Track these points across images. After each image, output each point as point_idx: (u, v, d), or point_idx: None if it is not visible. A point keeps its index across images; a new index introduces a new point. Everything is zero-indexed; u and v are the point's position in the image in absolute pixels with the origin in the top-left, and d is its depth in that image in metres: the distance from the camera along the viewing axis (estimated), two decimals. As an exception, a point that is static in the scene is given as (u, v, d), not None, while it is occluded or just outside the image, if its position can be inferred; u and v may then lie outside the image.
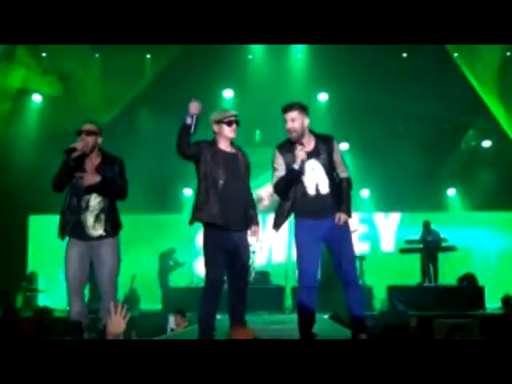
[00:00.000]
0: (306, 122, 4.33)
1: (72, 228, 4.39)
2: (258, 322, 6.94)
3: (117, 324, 2.85)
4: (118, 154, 4.65)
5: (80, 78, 11.40)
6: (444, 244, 10.57)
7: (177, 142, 4.22)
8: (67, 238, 4.45)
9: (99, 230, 4.41)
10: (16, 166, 11.11)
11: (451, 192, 12.78)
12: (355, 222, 9.83)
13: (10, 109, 11.46)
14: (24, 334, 2.68)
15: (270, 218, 4.72)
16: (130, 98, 11.72)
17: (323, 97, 12.20)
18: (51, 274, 10.77)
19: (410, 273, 10.80)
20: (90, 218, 4.39)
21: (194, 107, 4.21)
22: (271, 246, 11.78)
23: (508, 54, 11.51)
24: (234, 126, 4.37)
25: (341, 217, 4.27)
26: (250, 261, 7.58)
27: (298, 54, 12.12)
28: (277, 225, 4.40)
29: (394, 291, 9.98)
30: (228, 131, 4.36)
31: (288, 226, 4.80)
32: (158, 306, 10.38)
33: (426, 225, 10.84)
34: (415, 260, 10.71)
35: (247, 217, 4.40)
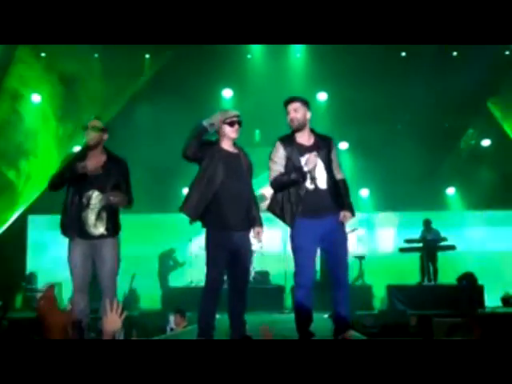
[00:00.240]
0: (308, 115, 4.38)
1: (74, 226, 4.40)
2: (257, 321, 6.94)
3: (113, 322, 2.85)
4: (117, 153, 4.66)
5: (79, 78, 11.39)
6: (443, 243, 10.59)
7: (188, 143, 4.23)
8: (68, 237, 4.46)
9: (100, 229, 4.42)
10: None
11: (451, 191, 12.80)
12: (355, 222, 9.83)
13: (9, 109, 11.45)
14: (58, 328, 2.64)
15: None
16: (129, 98, 11.72)
17: (322, 96, 12.21)
18: (50, 274, 10.78)
19: (409, 272, 10.81)
20: (91, 216, 4.40)
21: (219, 120, 4.26)
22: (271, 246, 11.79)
23: (507, 53, 11.52)
24: (236, 126, 4.38)
25: (346, 215, 4.29)
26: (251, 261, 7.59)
27: (297, 53, 12.12)
28: (291, 218, 4.32)
29: (394, 290, 9.99)
30: (230, 132, 4.37)
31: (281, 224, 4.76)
32: (158, 306, 10.39)
33: (427, 223, 10.85)
34: (415, 259, 10.72)
35: (249, 217, 4.41)
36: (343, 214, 4.29)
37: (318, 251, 4.53)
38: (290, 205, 4.27)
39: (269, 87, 11.19)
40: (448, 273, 10.54)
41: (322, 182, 4.30)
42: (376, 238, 12.47)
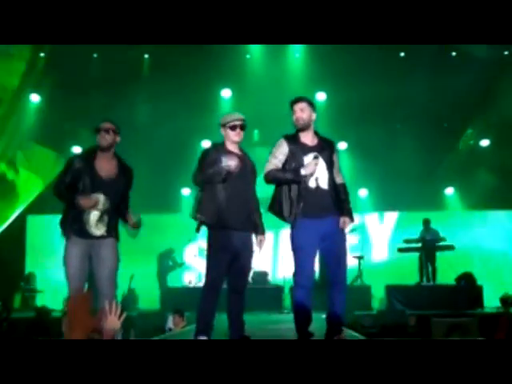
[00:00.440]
0: (313, 116, 4.45)
1: (74, 225, 4.38)
2: (256, 321, 6.94)
3: (112, 323, 2.85)
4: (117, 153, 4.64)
5: (78, 79, 11.38)
6: (442, 243, 10.59)
7: (206, 178, 4.26)
8: (66, 236, 4.43)
9: (101, 230, 4.41)
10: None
11: (449, 191, 12.81)
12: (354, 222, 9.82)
13: (8, 109, 11.45)
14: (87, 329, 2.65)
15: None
16: (128, 98, 11.70)
17: (321, 96, 12.19)
18: (49, 274, 10.78)
19: (408, 272, 10.82)
20: (93, 217, 4.38)
21: (237, 166, 4.25)
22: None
23: (506, 53, 11.53)
24: (238, 130, 4.40)
25: (345, 221, 4.33)
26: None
27: (296, 53, 12.12)
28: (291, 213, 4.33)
29: (393, 290, 10.00)
30: (232, 135, 4.40)
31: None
32: (157, 306, 10.38)
33: (426, 223, 10.86)
34: (414, 259, 10.72)
35: (252, 219, 4.42)
36: (343, 219, 4.33)
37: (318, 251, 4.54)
38: (290, 201, 4.27)
39: (268, 87, 11.21)
40: (447, 273, 10.55)
41: (324, 182, 4.32)
42: (375, 238, 12.47)
